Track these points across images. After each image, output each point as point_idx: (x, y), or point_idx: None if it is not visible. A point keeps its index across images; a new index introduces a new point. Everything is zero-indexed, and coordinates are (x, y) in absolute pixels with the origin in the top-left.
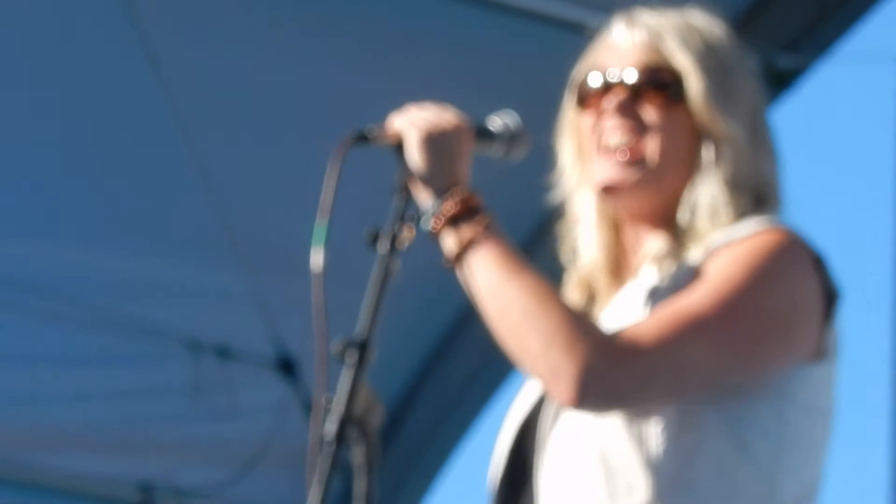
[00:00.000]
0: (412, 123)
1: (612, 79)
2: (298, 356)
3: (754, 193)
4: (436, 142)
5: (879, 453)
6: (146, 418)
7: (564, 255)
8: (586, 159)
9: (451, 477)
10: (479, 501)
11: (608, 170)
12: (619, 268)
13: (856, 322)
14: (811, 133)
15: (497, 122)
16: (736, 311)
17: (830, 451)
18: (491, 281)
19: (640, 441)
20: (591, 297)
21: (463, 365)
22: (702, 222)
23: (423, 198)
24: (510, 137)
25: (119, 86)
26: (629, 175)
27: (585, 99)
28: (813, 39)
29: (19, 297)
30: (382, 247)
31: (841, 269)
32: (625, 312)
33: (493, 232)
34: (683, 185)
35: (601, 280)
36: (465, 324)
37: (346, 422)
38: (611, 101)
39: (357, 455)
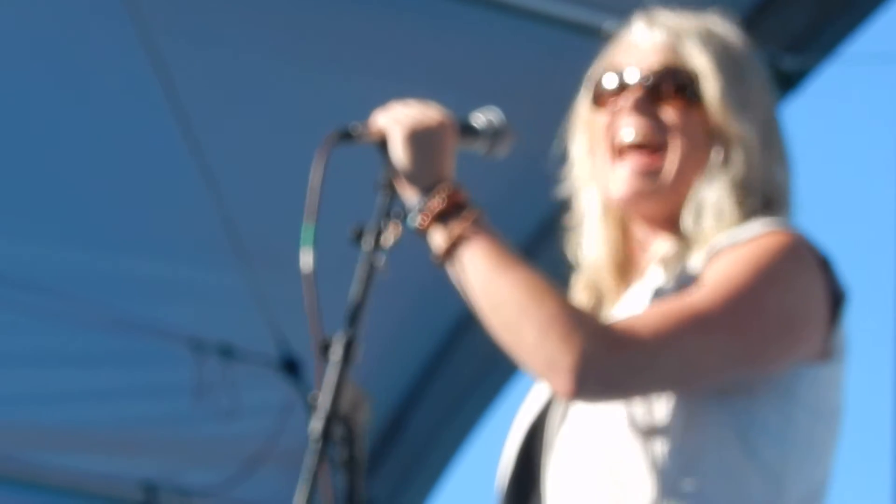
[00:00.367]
0: (396, 120)
1: (630, 77)
2: (302, 356)
3: (762, 196)
4: (420, 138)
5: (882, 453)
6: (149, 418)
7: (570, 252)
8: (597, 156)
9: (455, 478)
10: (483, 503)
11: (625, 182)
12: (625, 267)
13: (858, 322)
14: (816, 134)
15: (481, 118)
16: (737, 308)
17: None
18: (482, 275)
19: (646, 442)
20: (599, 300)
21: (467, 365)
22: (707, 223)
23: (409, 195)
24: (494, 134)
25: (121, 85)
26: (646, 186)
27: (601, 97)
28: (818, 41)
29: (21, 296)
30: (367, 244)
31: (846, 269)
32: (631, 313)
33: (481, 226)
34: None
35: (608, 280)
36: (468, 324)
37: (331, 419)
38: (627, 100)
39: (342, 452)
